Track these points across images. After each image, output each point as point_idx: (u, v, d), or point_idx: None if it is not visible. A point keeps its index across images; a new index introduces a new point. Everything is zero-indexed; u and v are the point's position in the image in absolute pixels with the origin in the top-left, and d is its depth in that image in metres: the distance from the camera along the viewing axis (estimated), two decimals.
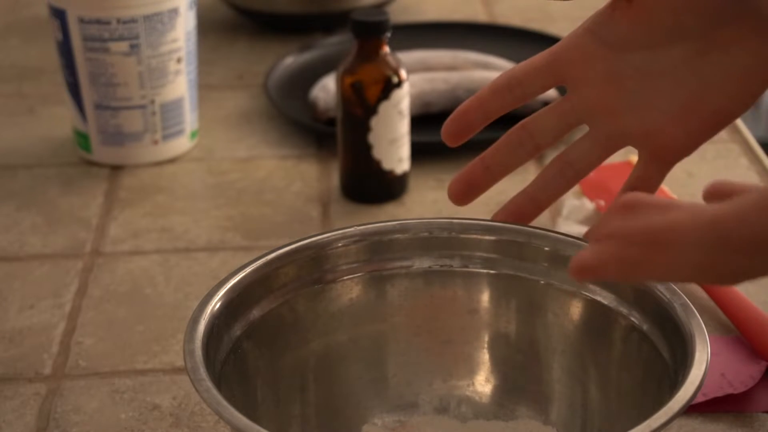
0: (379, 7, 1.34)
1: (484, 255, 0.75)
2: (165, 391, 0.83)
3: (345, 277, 0.75)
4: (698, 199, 1.03)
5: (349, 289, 0.75)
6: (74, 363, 0.86)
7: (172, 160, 1.12)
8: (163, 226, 1.02)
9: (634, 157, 1.03)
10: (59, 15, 1.07)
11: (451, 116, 0.77)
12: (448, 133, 0.77)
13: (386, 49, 1.01)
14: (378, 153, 1.02)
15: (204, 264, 0.97)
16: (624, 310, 0.71)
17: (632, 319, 0.70)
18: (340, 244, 0.75)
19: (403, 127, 1.03)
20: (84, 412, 0.81)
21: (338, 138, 1.04)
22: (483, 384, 0.77)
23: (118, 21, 1.05)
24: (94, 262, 0.97)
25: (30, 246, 1.00)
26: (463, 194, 0.78)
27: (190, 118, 1.12)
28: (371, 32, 1.01)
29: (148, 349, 0.87)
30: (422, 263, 0.76)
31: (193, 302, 0.92)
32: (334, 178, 1.08)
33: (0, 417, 0.81)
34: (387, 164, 1.03)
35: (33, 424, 0.80)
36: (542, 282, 0.74)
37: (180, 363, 0.86)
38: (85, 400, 0.83)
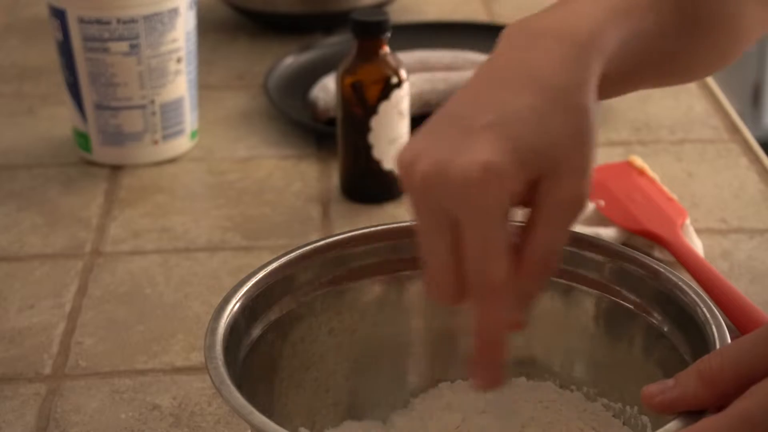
0: (379, 7, 1.34)
1: None
2: (165, 391, 0.83)
3: (367, 278, 0.75)
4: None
5: (371, 289, 0.75)
6: (74, 363, 0.86)
7: (172, 160, 1.12)
8: (163, 226, 1.02)
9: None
10: (59, 15, 1.07)
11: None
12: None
13: (386, 49, 1.01)
14: (378, 153, 1.02)
15: (204, 264, 0.97)
16: (645, 312, 0.70)
17: (653, 320, 0.70)
18: (361, 244, 0.74)
19: (403, 127, 1.03)
20: (84, 412, 0.81)
21: (338, 138, 1.04)
22: (506, 384, 0.76)
23: (118, 21, 1.05)
24: (94, 262, 0.97)
25: (30, 246, 1.00)
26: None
27: (190, 118, 1.12)
28: (371, 32, 1.01)
29: (148, 349, 0.87)
30: None
31: (193, 302, 0.92)
32: (334, 178, 1.08)
33: (0, 417, 0.81)
34: (387, 164, 1.03)
35: (33, 424, 0.80)
36: (564, 283, 0.73)
37: (180, 363, 0.86)
38: (85, 400, 0.82)
